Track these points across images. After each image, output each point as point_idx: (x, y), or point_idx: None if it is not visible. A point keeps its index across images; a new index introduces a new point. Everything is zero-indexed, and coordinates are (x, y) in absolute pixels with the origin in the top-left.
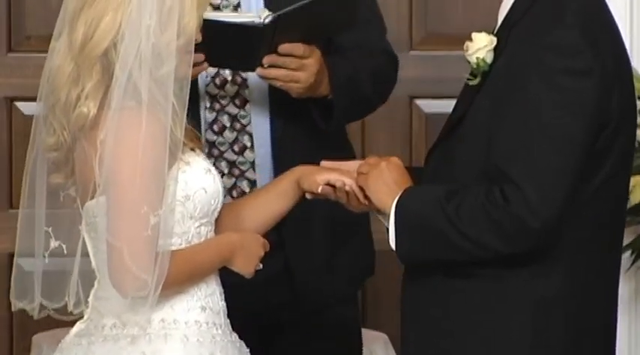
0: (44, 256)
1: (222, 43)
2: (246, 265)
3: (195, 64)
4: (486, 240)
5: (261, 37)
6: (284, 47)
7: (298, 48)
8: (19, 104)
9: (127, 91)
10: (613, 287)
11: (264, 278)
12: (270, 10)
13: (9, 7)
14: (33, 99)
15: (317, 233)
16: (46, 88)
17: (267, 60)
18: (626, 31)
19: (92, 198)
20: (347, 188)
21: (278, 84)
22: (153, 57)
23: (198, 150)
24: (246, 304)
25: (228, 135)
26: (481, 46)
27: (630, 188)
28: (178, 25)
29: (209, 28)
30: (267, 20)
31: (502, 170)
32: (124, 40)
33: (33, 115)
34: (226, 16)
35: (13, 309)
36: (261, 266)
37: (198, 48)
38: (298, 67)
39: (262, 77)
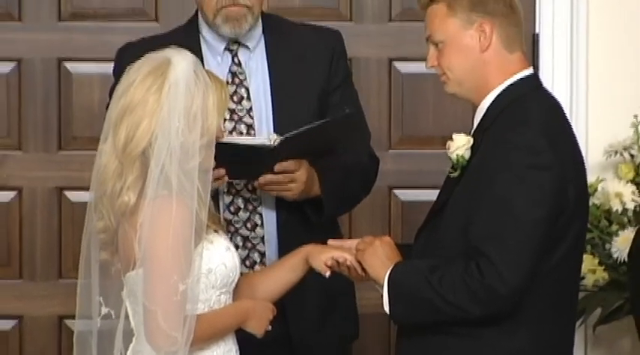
0: (97, 320)
1: (237, 160)
2: (258, 327)
3: (217, 179)
4: (465, 305)
5: (270, 155)
6: (279, 166)
7: (289, 165)
8: (67, 193)
9: (159, 182)
10: (569, 341)
11: (268, 340)
12: (276, 121)
13: (59, 113)
14: (79, 189)
15: (311, 302)
16: (96, 181)
17: (262, 180)
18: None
19: (132, 269)
20: (348, 263)
21: (274, 194)
22: (182, 153)
23: (220, 232)
24: None
25: (242, 215)
26: (460, 145)
27: None
28: (202, 127)
29: (228, 148)
30: (276, 143)
31: (478, 249)
32: (158, 140)
33: (79, 202)
34: (243, 139)
35: None
36: (270, 327)
37: (219, 164)
38: (290, 180)
39: (261, 188)
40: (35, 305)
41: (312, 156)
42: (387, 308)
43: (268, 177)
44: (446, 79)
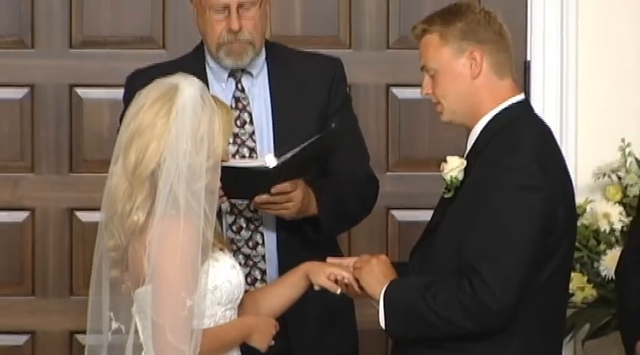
0: (108, 335)
1: (237, 182)
2: (262, 342)
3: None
4: (458, 321)
5: (267, 178)
6: (275, 188)
7: (285, 187)
8: (78, 213)
9: (168, 202)
10: (557, 351)
11: (270, 354)
12: (277, 144)
13: (70, 137)
14: (89, 209)
15: (312, 318)
16: (106, 202)
17: (258, 200)
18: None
19: (142, 285)
20: (346, 280)
21: (271, 213)
22: (189, 174)
23: (225, 250)
24: None
25: (244, 234)
26: (454, 167)
27: None
28: (208, 149)
29: (225, 170)
30: (272, 165)
31: (472, 266)
32: (166, 162)
33: (89, 222)
34: (240, 162)
35: None
36: (273, 342)
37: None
38: (286, 200)
39: (257, 207)
40: (47, 321)
41: (308, 175)
42: (382, 324)
43: (264, 197)
44: (441, 109)
